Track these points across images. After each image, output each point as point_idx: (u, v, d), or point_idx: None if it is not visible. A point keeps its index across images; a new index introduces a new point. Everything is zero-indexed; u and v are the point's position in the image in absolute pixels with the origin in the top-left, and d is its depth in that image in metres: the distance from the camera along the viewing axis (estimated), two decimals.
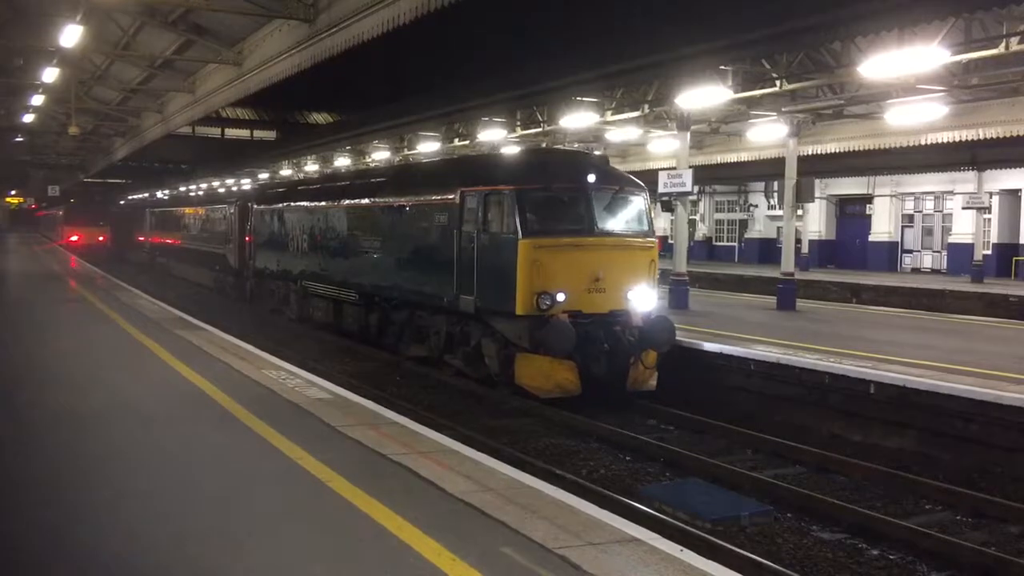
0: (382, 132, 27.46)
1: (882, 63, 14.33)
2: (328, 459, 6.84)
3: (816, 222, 39.77)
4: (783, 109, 20.19)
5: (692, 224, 41.06)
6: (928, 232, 37.16)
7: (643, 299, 12.64)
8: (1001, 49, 13.87)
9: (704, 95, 17.78)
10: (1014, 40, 13.70)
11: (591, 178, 12.71)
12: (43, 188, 57.27)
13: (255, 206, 24.28)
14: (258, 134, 34.09)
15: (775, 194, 40.70)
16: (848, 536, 8.01)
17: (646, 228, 13.24)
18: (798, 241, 32.40)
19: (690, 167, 19.27)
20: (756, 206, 44.97)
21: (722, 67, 17.30)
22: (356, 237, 17.48)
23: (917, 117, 19.51)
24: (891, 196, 37.06)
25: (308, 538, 5.30)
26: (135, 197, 59.95)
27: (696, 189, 35.01)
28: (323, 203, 19.48)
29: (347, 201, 18.23)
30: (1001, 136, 20.18)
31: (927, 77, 16.83)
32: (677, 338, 13.01)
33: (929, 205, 36.99)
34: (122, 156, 37.38)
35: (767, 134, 22.73)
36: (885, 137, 22.60)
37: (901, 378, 10.95)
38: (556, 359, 11.80)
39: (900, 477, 9.49)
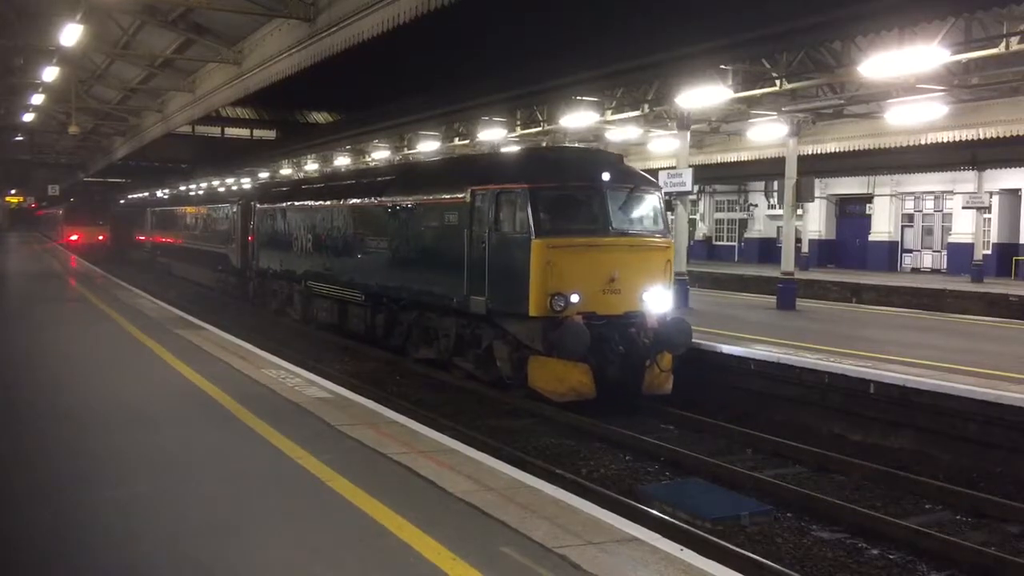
0: (382, 132, 27.47)
1: (882, 63, 14.32)
2: (328, 458, 6.84)
3: (816, 222, 39.78)
4: (783, 108, 20.19)
5: (692, 223, 41.02)
6: (928, 232, 37.16)
7: (659, 300, 12.35)
8: (1001, 49, 13.87)
9: (704, 94, 17.78)
10: (1014, 40, 13.70)
11: (606, 176, 12.42)
12: (43, 187, 57.25)
13: (258, 205, 24.01)
14: (258, 133, 34.14)
15: (775, 193, 40.70)
16: (848, 536, 8.01)
17: (661, 227, 13.01)
18: (798, 241, 32.42)
19: (690, 166, 19.27)
20: (756, 205, 44.97)
21: (722, 66, 17.29)
22: (362, 237, 17.19)
23: (917, 117, 19.51)
24: (891, 196, 37.06)
25: (308, 537, 5.30)
26: (135, 196, 59.92)
27: (696, 188, 35.02)
28: (328, 202, 19.19)
29: (353, 200, 17.92)
30: (1001, 136, 20.19)
31: (927, 77, 16.83)
32: None
33: (929, 205, 36.99)
34: (122, 155, 37.40)
35: (767, 133, 22.72)
36: (885, 137, 22.60)
37: (901, 378, 10.95)
38: (570, 362, 11.56)
39: (900, 477, 9.49)
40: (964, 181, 31.88)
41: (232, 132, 34.03)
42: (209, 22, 18.18)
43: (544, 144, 25.29)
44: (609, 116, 22.17)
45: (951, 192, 34.21)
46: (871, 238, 38.16)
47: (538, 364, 11.97)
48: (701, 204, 47.17)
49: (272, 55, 16.63)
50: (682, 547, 5.23)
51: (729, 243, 47.26)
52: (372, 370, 15.59)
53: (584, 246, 12.07)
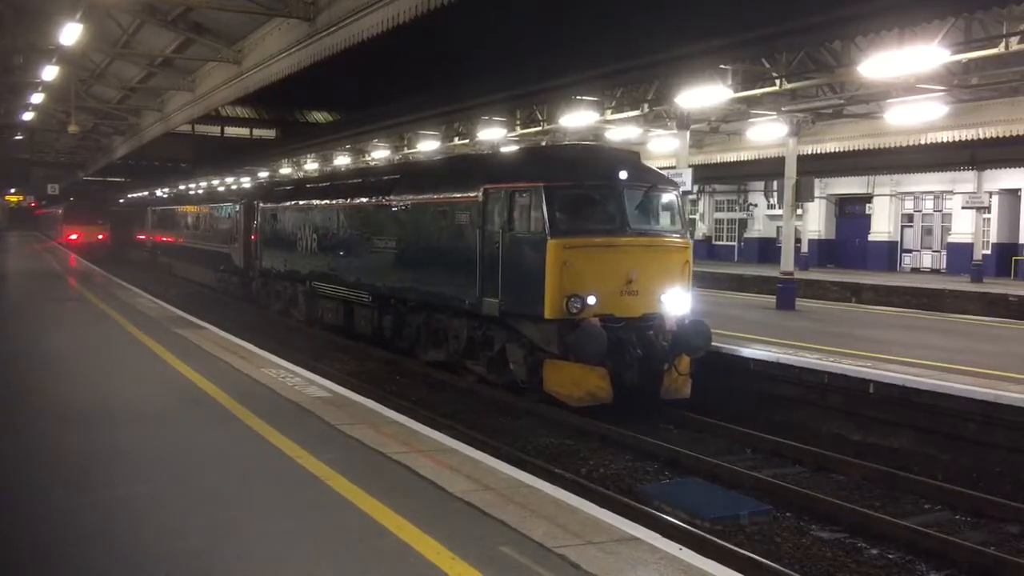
0: (382, 131, 27.47)
1: (882, 63, 14.33)
2: (328, 458, 6.84)
3: (816, 221, 39.78)
4: (783, 108, 20.20)
5: (692, 223, 41.02)
6: (928, 232, 37.17)
7: (677, 302, 12.04)
8: (1001, 49, 13.88)
9: (704, 94, 17.78)
10: (1014, 40, 13.71)
11: (623, 174, 12.06)
12: (43, 186, 57.29)
13: (261, 204, 23.63)
14: (258, 133, 34.16)
15: (775, 193, 40.68)
16: (847, 535, 8.01)
17: (680, 227, 12.73)
18: (798, 240, 32.40)
19: (690, 166, 19.26)
20: (756, 205, 44.97)
21: (722, 66, 17.30)
22: (370, 236, 16.80)
23: (917, 117, 19.52)
24: (891, 196, 37.07)
25: (308, 537, 5.30)
26: (135, 195, 59.89)
27: (695, 188, 35.02)
28: (334, 201, 18.80)
29: (360, 199, 17.52)
30: (1001, 136, 20.20)
31: (927, 77, 16.83)
32: None
33: (929, 205, 37.00)
34: (122, 155, 37.40)
35: (767, 133, 22.72)
36: (885, 137, 22.61)
37: (901, 378, 10.95)
38: (587, 365, 11.26)
39: (899, 476, 9.49)
40: (964, 181, 31.89)
41: (232, 131, 34.03)
42: (209, 21, 18.18)
43: (544, 143, 25.27)
44: (609, 116, 22.18)
45: (951, 192, 34.22)
46: (871, 238, 38.17)
47: (554, 368, 11.69)
48: (701, 204, 47.16)
49: (272, 54, 16.63)
50: (681, 547, 5.24)
51: (729, 243, 47.27)
52: (372, 370, 15.59)
53: (601, 246, 11.77)
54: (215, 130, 33.53)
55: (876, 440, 11.06)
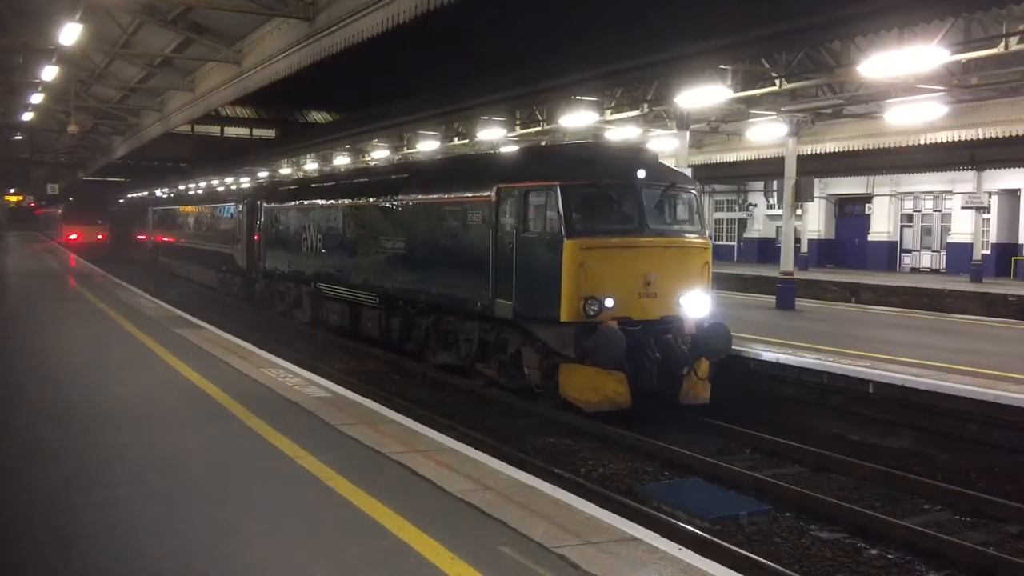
0: (381, 131, 27.46)
1: (882, 63, 14.33)
2: (327, 458, 6.84)
3: (815, 221, 39.79)
4: (782, 108, 20.20)
5: None
6: (927, 232, 37.18)
7: (696, 304, 11.72)
8: (1000, 49, 13.88)
9: (704, 94, 17.78)
10: (1013, 40, 13.71)
11: (641, 173, 11.78)
12: (42, 187, 57.25)
13: (265, 204, 23.32)
14: (257, 133, 34.18)
15: (774, 193, 40.67)
16: (847, 535, 8.02)
17: (699, 227, 12.46)
18: (797, 240, 32.41)
19: (689, 166, 19.26)
20: (755, 205, 44.98)
21: (722, 66, 17.30)
22: (377, 237, 16.43)
23: (916, 117, 19.52)
24: (890, 196, 37.08)
25: (307, 537, 5.30)
26: (135, 195, 59.87)
27: None
28: (341, 201, 18.43)
29: (367, 199, 17.15)
30: (1000, 136, 20.20)
31: (927, 77, 16.83)
32: None
33: (928, 205, 37.01)
34: (121, 155, 37.38)
35: (766, 133, 22.73)
36: (884, 137, 22.61)
37: (900, 378, 10.96)
38: (605, 370, 10.91)
39: (898, 476, 9.49)
40: (963, 181, 31.90)
41: (231, 131, 34.06)
42: (208, 21, 18.18)
43: (544, 143, 25.27)
44: (609, 116, 22.19)
45: (950, 192, 34.23)
46: (870, 238, 38.18)
47: (570, 372, 11.36)
48: None
49: (271, 54, 16.62)
50: (681, 547, 5.24)
51: (728, 243, 47.27)
52: (371, 370, 15.59)
53: (619, 247, 11.46)
54: (215, 130, 33.56)
55: (875, 440, 11.06)
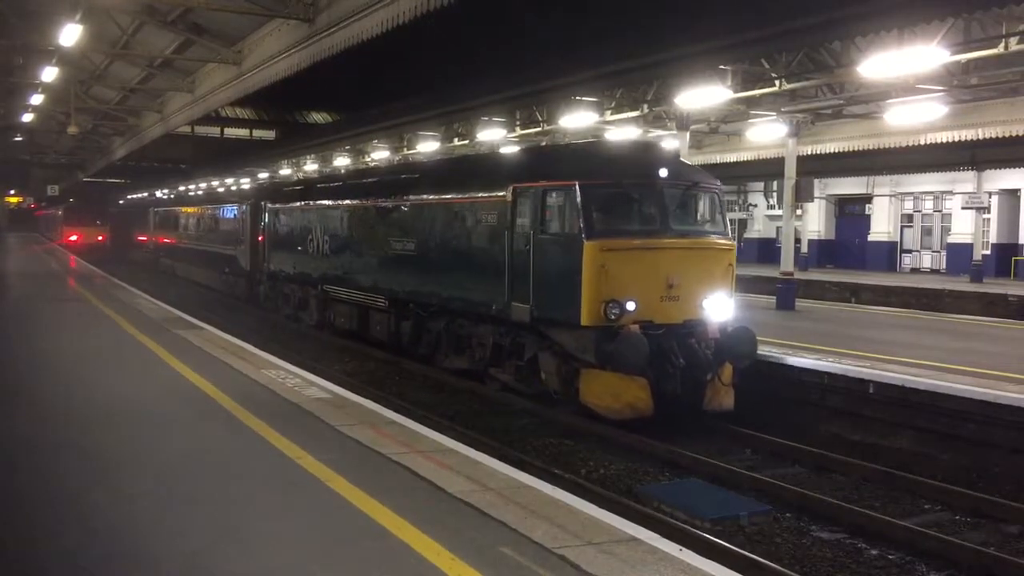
0: (382, 131, 27.46)
1: (881, 63, 14.34)
2: (328, 458, 6.85)
3: (815, 222, 39.79)
4: (782, 109, 20.21)
5: None
6: (927, 232, 37.18)
7: (720, 307, 11.42)
8: (1000, 49, 13.89)
9: (703, 95, 17.79)
10: (1013, 40, 13.72)
11: (663, 172, 11.39)
12: (42, 188, 57.29)
13: (269, 204, 22.94)
14: (257, 133, 34.18)
15: (774, 194, 40.74)
16: (847, 536, 8.02)
17: (722, 227, 12.09)
18: (797, 241, 32.40)
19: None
20: (755, 206, 44.97)
21: (721, 67, 17.31)
22: (387, 238, 15.99)
23: (916, 117, 19.53)
24: (890, 196, 37.08)
25: (307, 537, 5.30)
26: (135, 196, 59.85)
27: None
28: (349, 201, 18.02)
29: (377, 199, 16.73)
30: (1000, 136, 20.21)
31: (926, 77, 16.84)
32: None
33: (928, 205, 37.01)
34: (121, 155, 37.39)
35: (766, 134, 22.73)
36: (884, 137, 22.62)
37: (900, 378, 10.96)
38: (626, 376, 10.59)
39: (898, 477, 9.49)
40: (963, 181, 31.90)
41: (231, 132, 34.06)
42: (208, 22, 18.19)
43: (544, 144, 25.27)
44: (608, 116, 22.19)
45: (950, 192, 34.23)
46: (870, 238, 38.19)
47: (591, 378, 11.00)
48: None
49: (272, 55, 16.63)
50: (681, 547, 5.24)
51: None
52: (371, 370, 15.59)
53: (640, 248, 11.12)
54: (215, 131, 33.57)
55: (875, 440, 11.06)
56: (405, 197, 15.56)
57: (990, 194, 32.35)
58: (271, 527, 5.52)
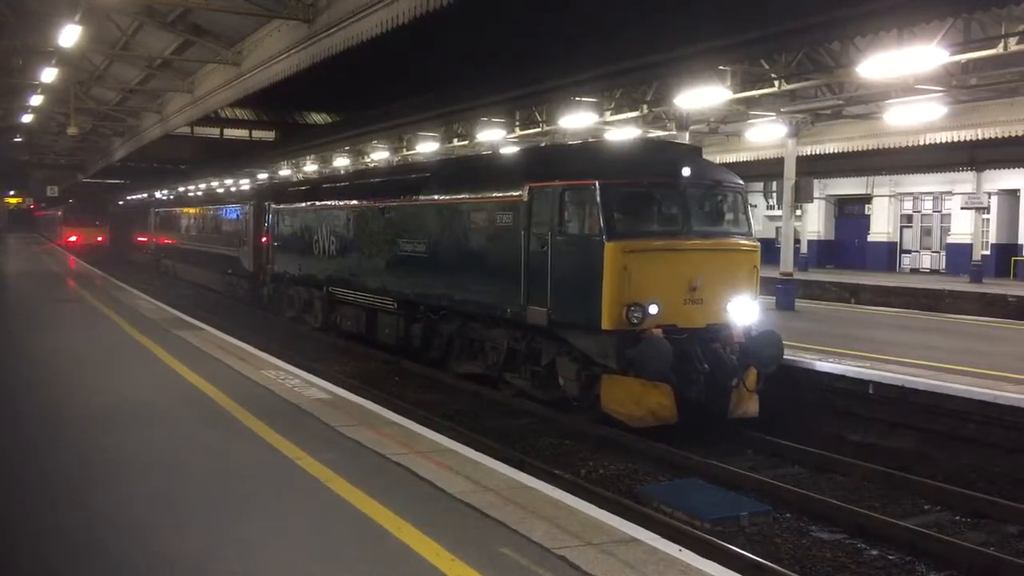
0: (381, 132, 27.48)
1: (881, 63, 14.34)
2: (327, 459, 6.84)
3: (815, 222, 39.79)
4: (782, 109, 20.21)
5: None
6: (927, 232, 37.17)
7: (745, 311, 11.12)
8: (1000, 49, 13.89)
9: (703, 95, 17.79)
10: (1012, 40, 13.72)
11: (686, 171, 11.06)
12: (42, 188, 57.32)
13: (273, 205, 22.54)
14: (257, 134, 34.16)
15: (774, 194, 40.73)
16: (847, 536, 8.02)
17: (746, 228, 11.75)
18: (797, 241, 32.42)
19: None
20: (755, 206, 44.97)
21: (721, 67, 17.32)
22: (396, 239, 15.59)
23: (916, 117, 19.54)
24: (890, 196, 37.08)
25: (307, 538, 5.30)
26: (136, 197, 59.83)
27: None
28: (356, 201, 17.60)
29: (385, 199, 16.30)
30: (1000, 136, 20.22)
31: (926, 77, 16.85)
32: None
33: (928, 205, 37.01)
34: (121, 156, 37.40)
35: (766, 134, 22.73)
36: (884, 137, 22.63)
37: (900, 378, 10.96)
38: (649, 381, 10.25)
39: (898, 477, 9.49)
40: (963, 182, 31.89)
41: (231, 133, 34.04)
42: (208, 23, 18.19)
43: (543, 144, 25.26)
44: (608, 117, 22.20)
45: (950, 193, 34.23)
46: (870, 238, 38.19)
47: (612, 384, 10.65)
48: None
49: (271, 56, 16.64)
50: (681, 548, 5.24)
51: None
52: (371, 371, 15.59)
53: (663, 250, 10.77)
54: (214, 132, 33.55)
55: (875, 440, 11.05)
56: (415, 197, 15.15)
57: (989, 194, 32.34)
58: (270, 527, 5.51)
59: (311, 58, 14.81)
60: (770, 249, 40.44)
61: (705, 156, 13.30)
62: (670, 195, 11.15)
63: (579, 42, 15.00)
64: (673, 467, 9.99)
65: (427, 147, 30.85)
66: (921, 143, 21.71)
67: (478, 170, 14.76)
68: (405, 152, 32.76)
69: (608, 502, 7.86)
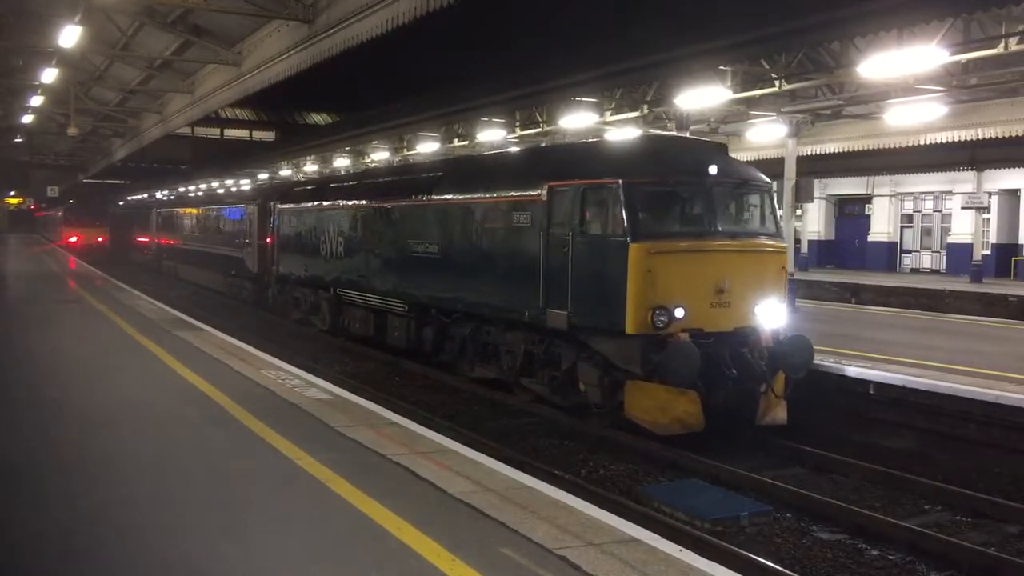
0: (381, 132, 27.51)
1: (881, 63, 14.35)
2: (327, 459, 6.84)
3: (815, 222, 39.78)
4: (782, 109, 20.23)
5: None
6: (927, 232, 37.15)
7: (773, 314, 10.75)
8: (1000, 49, 13.91)
9: (703, 95, 17.80)
10: (1012, 40, 13.73)
11: (713, 169, 10.71)
12: (42, 189, 57.33)
13: (279, 205, 21.98)
14: (257, 135, 34.17)
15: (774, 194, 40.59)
16: (847, 536, 8.02)
17: (774, 228, 11.42)
18: (797, 241, 32.40)
19: None
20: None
21: (721, 67, 17.33)
22: (408, 240, 15.17)
23: (916, 117, 19.55)
24: (890, 196, 37.07)
25: (307, 538, 5.30)
26: (136, 197, 59.80)
27: None
28: (365, 202, 17.15)
29: (396, 199, 15.88)
30: (1000, 136, 20.24)
31: (926, 77, 16.86)
32: None
33: (928, 205, 37.00)
34: (121, 157, 37.41)
35: (766, 134, 22.75)
36: (884, 137, 22.65)
37: (901, 378, 10.95)
38: (675, 388, 9.91)
39: (898, 477, 9.49)
40: (963, 181, 31.88)
41: (231, 133, 34.05)
42: (208, 23, 18.20)
43: (543, 144, 25.23)
44: (608, 117, 22.23)
45: (950, 192, 34.21)
46: (870, 238, 38.17)
47: (637, 390, 10.27)
48: None
49: (271, 56, 16.65)
50: (681, 548, 5.24)
51: None
52: (371, 371, 15.58)
53: (688, 251, 10.43)
54: (215, 132, 33.55)
55: (875, 440, 11.05)
56: (428, 197, 14.70)
57: (990, 194, 32.33)
58: (270, 528, 5.51)
59: (311, 58, 14.82)
60: None
61: None
62: (696, 194, 10.80)
63: (579, 42, 15.00)
64: (673, 467, 9.98)
65: (427, 147, 30.86)
66: (921, 143, 21.73)
67: (493, 169, 14.33)
68: (405, 152, 32.76)
69: (608, 502, 7.86)
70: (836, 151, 24.25)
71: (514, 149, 24.13)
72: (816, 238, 39.64)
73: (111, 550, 5.17)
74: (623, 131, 23.83)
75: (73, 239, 50.57)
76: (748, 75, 18.17)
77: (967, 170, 28.79)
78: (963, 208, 32.00)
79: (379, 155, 34.48)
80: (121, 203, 60.74)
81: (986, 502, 8.74)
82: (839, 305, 23.49)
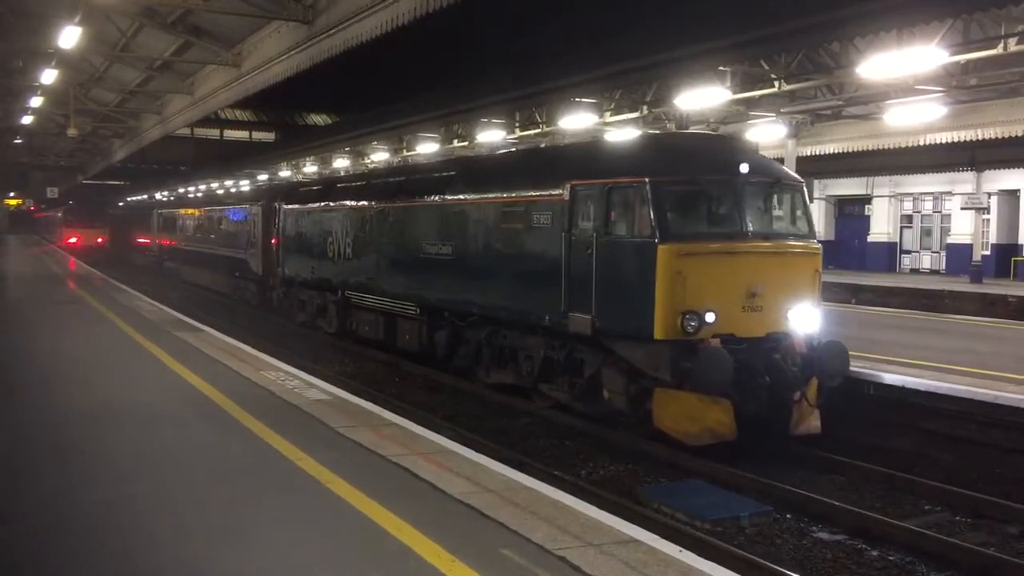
0: (381, 133, 27.51)
1: (881, 64, 14.36)
2: (327, 460, 6.84)
3: (815, 222, 39.79)
4: (782, 110, 20.25)
5: None
6: (927, 232, 37.16)
7: (806, 319, 10.35)
8: (999, 50, 13.92)
9: (703, 96, 17.82)
10: (1012, 41, 13.74)
11: (743, 168, 10.29)
12: (42, 190, 57.39)
13: (284, 205, 21.56)
14: (257, 135, 34.23)
15: None
16: (848, 537, 8.01)
17: (807, 230, 10.98)
18: None
19: None
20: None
21: (721, 68, 17.34)
22: (419, 242, 14.72)
23: (916, 118, 19.56)
24: (890, 196, 37.07)
25: (307, 539, 5.30)
26: (136, 198, 59.77)
27: None
28: (375, 202, 16.65)
29: (408, 199, 15.40)
30: (1000, 136, 20.25)
31: (926, 78, 16.87)
32: None
33: (928, 205, 37.00)
34: (121, 157, 37.45)
35: (766, 135, 22.75)
36: (884, 138, 22.66)
37: (900, 378, 10.95)
38: (706, 396, 9.55)
39: (898, 477, 9.49)
40: (963, 182, 31.88)
41: (231, 134, 34.11)
42: (208, 24, 18.21)
43: (549, 143, 25.24)
44: (608, 118, 22.24)
45: (950, 193, 34.21)
46: (870, 239, 38.18)
47: (666, 399, 9.88)
48: None
49: (271, 57, 16.66)
50: (681, 548, 5.24)
51: None
52: (371, 372, 15.58)
53: (720, 253, 10.03)
54: (214, 133, 33.62)
55: (875, 440, 11.04)
56: (441, 197, 14.24)
57: (989, 195, 32.32)
58: (270, 528, 5.51)
59: (311, 59, 14.83)
60: None
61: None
62: (727, 194, 10.30)
63: (579, 43, 15.01)
64: (674, 468, 9.97)
65: (427, 148, 30.87)
66: (921, 143, 21.74)
67: (511, 167, 13.95)
68: (405, 153, 32.76)
69: (608, 503, 7.85)
70: (836, 151, 24.26)
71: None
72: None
73: (111, 550, 5.17)
74: (623, 132, 23.87)
75: (73, 240, 50.58)
76: (748, 75, 18.18)
77: (967, 171, 28.79)
78: (963, 209, 31.99)
79: (379, 156, 34.47)
80: (121, 204, 60.73)
81: (986, 502, 8.73)
82: (839, 305, 23.46)
